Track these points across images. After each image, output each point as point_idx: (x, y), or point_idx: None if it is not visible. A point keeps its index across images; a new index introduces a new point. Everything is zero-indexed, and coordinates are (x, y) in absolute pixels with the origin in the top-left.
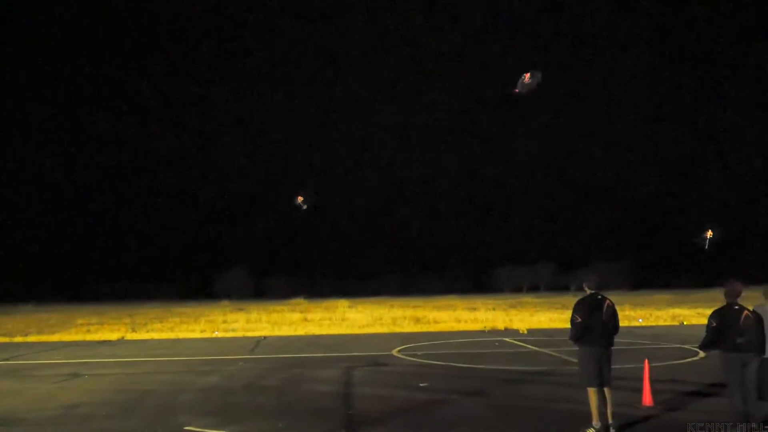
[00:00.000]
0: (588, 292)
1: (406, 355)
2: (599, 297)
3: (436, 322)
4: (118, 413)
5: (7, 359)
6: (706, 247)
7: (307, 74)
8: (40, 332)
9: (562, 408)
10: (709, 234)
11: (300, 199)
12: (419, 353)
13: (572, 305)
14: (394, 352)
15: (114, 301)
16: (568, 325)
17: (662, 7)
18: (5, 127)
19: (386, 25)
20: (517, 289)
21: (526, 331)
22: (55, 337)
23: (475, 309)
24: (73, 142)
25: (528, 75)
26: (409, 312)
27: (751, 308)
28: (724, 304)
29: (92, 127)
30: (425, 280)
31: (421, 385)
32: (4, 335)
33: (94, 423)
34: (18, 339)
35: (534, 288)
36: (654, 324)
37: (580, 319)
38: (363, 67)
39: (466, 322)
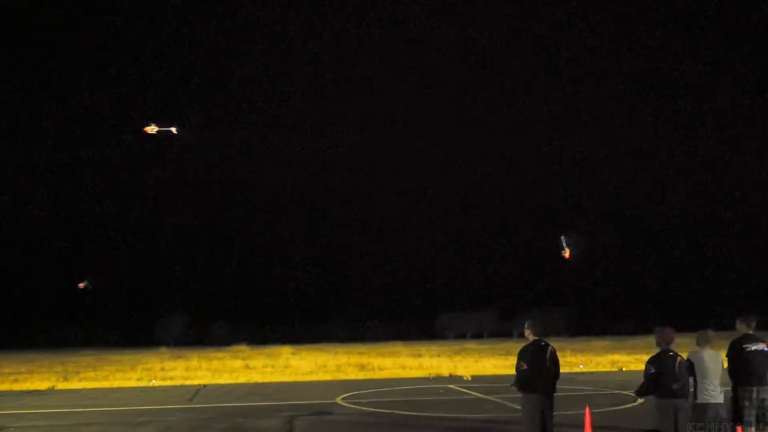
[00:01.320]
0: (531, 338)
1: (350, 402)
2: (542, 343)
3: (380, 368)
4: None
5: None
6: (566, 254)
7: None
8: None
9: None
10: (567, 254)
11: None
12: (364, 401)
13: (516, 351)
14: (338, 399)
15: (44, 349)
16: (513, 372)
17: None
18: None
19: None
20: (460, 335)
21: (470, 378)
22: None
23: (420, 355)
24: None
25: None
26: (354, 358)
27: (685, 355)
28: (660, 350)
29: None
30: (369, 326)
31: None
32: None
33: None
34: None
35: (478, 335)
36: (594, 370)
37: (525, 366)
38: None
39: (411, 368)
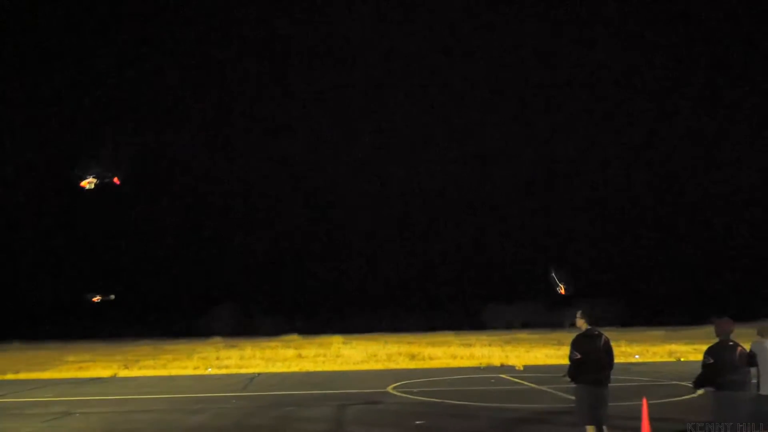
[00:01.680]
0: (584, 328)
1: (401, 392)
2: (595, 333)
3: (431, 358)
4: None
5: None
6: (561, 291)
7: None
8: (30, 370)
9: None
10: (562, 290)
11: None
12: (415, 390)
13: (568, 341)
14: (389, 389)
15: (104, 339)
16: (566, 361)
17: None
18: None
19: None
20: (509, 325)
21: (522, 368)
22: (45, 375)
23: (470, 345)
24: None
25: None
26: (404, 348)
27: (747, 346)
28: (718, 340)
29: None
30: (419, 316)
31: (417, 423)
32: None
33: None
34: (9, 376)
35: (527, 325)
36: (650, 360)
37: (578, 356)
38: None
39: (461, 358)
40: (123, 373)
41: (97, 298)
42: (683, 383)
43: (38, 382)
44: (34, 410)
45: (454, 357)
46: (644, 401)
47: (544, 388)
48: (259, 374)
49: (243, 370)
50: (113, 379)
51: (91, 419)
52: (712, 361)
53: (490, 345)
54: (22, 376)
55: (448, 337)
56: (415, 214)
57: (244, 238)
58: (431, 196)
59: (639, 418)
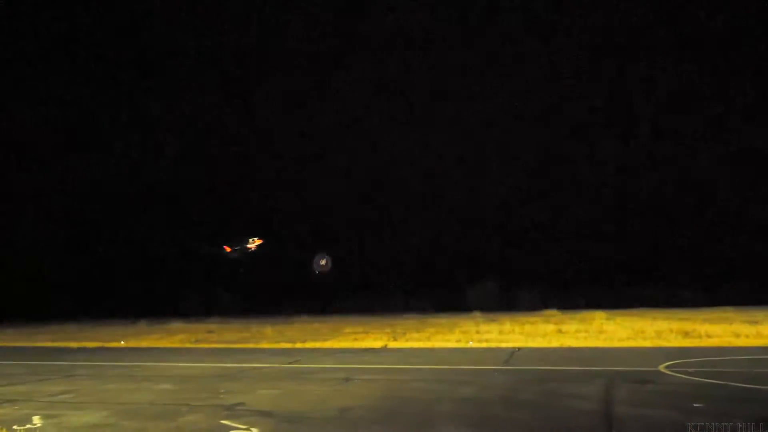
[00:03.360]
0: None
1: (675, 371)
2: None
3: (708, 336)
4: (384, 418)
5: (291, 363)
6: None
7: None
8: (315, 339)
9: None
10: (323, 263)
11: (228, 249)
12: (691, 370)
13: None
14: (661, 368)
15: (376, 312)
16: None
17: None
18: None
19: None
20: None
21: None
22: (327, 344)
23: (757, 322)
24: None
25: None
26: (675, 325)
27: None
28: None
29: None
30: (690, 291)
31: (695, 405)
32: (288, 341)
33: (363, 427)
34: (298, 345)
35: None
36: None
37: None
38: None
39: (746, 336)
40: (392, 344)
41: (324, 263)
42: None
43: (322, 351)
44: (321, 375)
45: (737, 335)
46: None
47: None
48: (519, 349)
49: (503, 344)
50: (384, 350)
51: (369, 386)
52: None
53: None
54: (309, 344)
55: (728, 313)
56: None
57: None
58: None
59: None
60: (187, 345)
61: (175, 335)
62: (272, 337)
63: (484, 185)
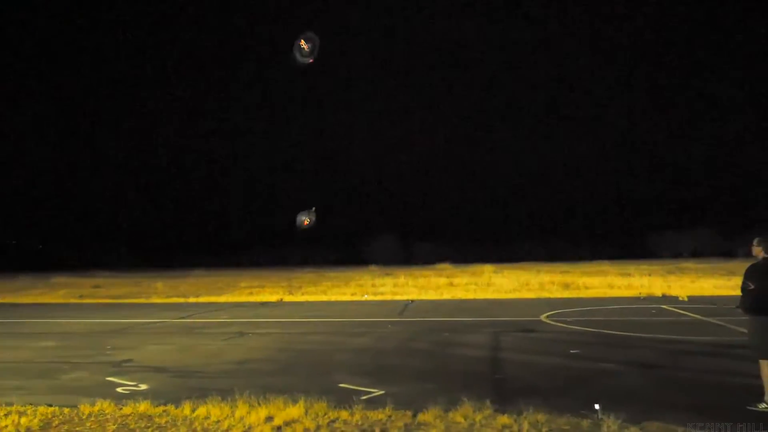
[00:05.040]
0: (762, 256)
1: (555, 320)
2: None
3: (586, 287)
4: (280, 370)
5: (183, 317)
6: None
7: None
8: (209, 294)
9: (730, 381)
10: (306, 222)
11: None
12: (569, 319)
13: (740, 271)
14: (543, 317)
15: (272, 266)
16: (737, 292)
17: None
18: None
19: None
20: (676, 254)
21: (687, 299)
22: (222, 299)
23: (628, 275)
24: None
25: (303, 42)
26: (557, 277)
27: None
28: None
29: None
30: (571, 246)
31: (572, 351)
32: (180, 296)
33: (259, 378)
34: (191, 299)
35: (696, 254)
36: None
37: (752, 286)
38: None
39: (619, 288)
40: (288, 298)
41: (306, 221)
42: None
43: (216, 305)
44: (215, 330)
45: (611, 287)
46: None
47: (711, 319)
48: (412, 301)
49: (397, 297)
50: (280, 304)
51: (265, 339)
52: None
53: (650, 275)
54: (203, 299)
55: (605, 266)
56: (578, 141)
57: (396, 171)
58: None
59: None
60: (72, 300)
61: (59, 290)
62: (164, 292)
63: (383, 147)
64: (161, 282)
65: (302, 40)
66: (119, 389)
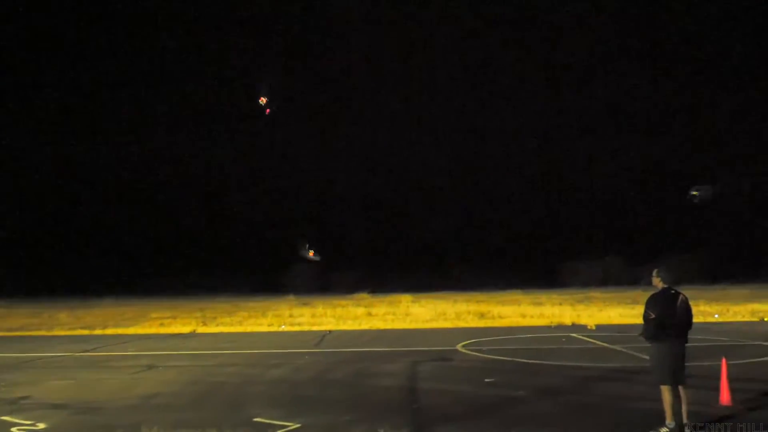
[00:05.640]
0: (660, 286)
1: (471, 350)
2: (673, 292)
3: (501, 317)
4: (191, 404)
5: (87, 351)
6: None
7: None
8: (117, 325)
9: (634, 406)
10: (311, 254)
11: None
12: (484, 348)
13: (643, 300)
14: (459, 347)
15: (185, 295)
16: (639, 321)
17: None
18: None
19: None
20: (584, 284)
21: (594, 327)
22: (131, 330)
23: (540, 304)
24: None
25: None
26: (473, 307)
27: None
28: None
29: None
30: (488, 275)
31: (487, 380)
32: (85, 328)
33: (168, 413)
34: (98, 331)
35: (603, 283)
36: (731, 320)
37: (653, 315)
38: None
39: (531, 317)
40: (202, 329)
41: (312, 253)
42: (766, 343)
43: (124, 337)
44: (122, 363)
45: (524, 316)
46: (723, 361)
47: (617, 347)
48: (330, 331)
49: (315, 328)
50: (193, 335)
51: (176, 372)
52: None
53: (561, 304)
54: (110, 331)
55: (518, 296)
56: (486, 168)
57: (318, 199)
58: (509, 144)
59: (717, 378)
60: None
61: None
62: (67, 323)
63: (300, 176)
64: (65, 312)
65: (261, 98)
66: (14, 429)
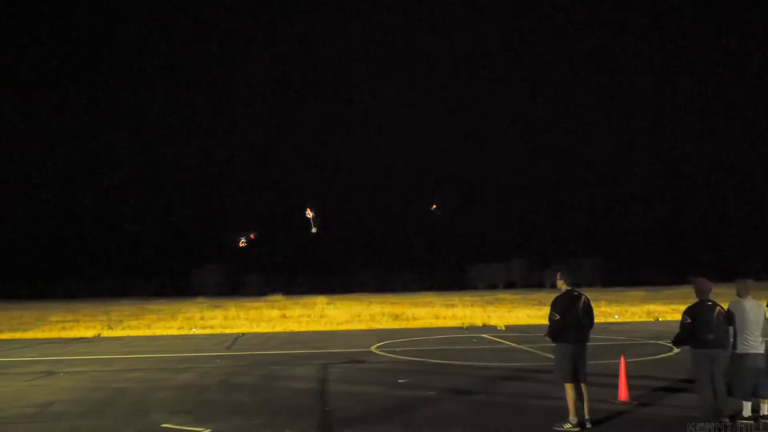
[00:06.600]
0: (564, 288)
1: (384, 351)
2: (575, 293)
3: (414, 318)
4: (92, 411)
5: None
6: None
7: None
8: (12, 329)
9: (539, 404)
10: (241, 243)
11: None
12: (398, 350)
13: (548, 302)
14: (373, 348)
15: (87, 299)
16: (545, 322)
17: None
18: None
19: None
20: (492, 285)
21: (503, 328)
22: (28, 335)
23: (453, 305)
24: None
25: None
26: (387, 309)
27: (725, 305)
28: (697, 300)
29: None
30: (402, 277)
31: (399, 381)
32: None
33: (66, 421)
34: None
35: (510, 285)
36: (629, 320)
37: (558, 316)
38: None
39: (444, 318)
40: (107, 333)
41: (242, 242)
42: (661, 342)
43: (21, 342)
44: (18, 370)
45: (438, 317)
46: (622, 359)
47: (524, 347)
48: (243, 334)
49: (227, 331)
50: (97, 339)
51: (77, 378)
52: (689, 320)
53: (472, 305)
54: (5, 336)
55: (431, 297)
56: (399, 175)
57: (231, 201)
58: (418, 154)
59: (617, 376)
60: None
61: None
62: None
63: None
64: None
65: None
66: None
